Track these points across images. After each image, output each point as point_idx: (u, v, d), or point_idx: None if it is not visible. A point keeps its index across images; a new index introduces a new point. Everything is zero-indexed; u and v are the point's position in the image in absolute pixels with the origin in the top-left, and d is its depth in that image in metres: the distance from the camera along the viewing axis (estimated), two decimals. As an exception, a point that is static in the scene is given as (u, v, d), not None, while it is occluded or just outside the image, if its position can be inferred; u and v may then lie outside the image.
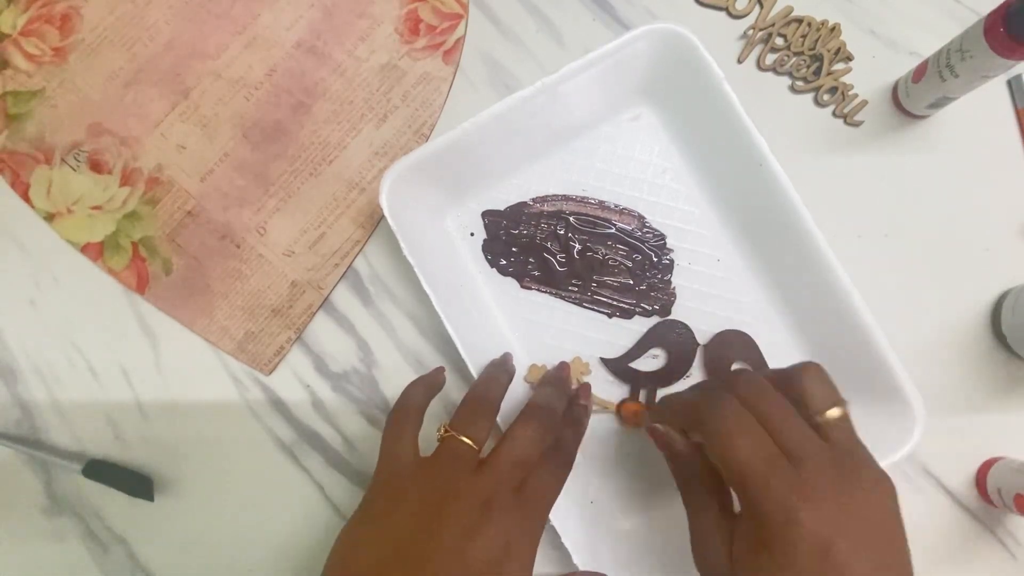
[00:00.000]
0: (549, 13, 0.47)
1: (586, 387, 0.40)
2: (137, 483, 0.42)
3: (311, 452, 0.43)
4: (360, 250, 0.44)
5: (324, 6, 0.46)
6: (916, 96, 0.43)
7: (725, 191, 0.43)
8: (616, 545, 0.40)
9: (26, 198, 0.45)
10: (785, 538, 0.27)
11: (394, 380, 0.44)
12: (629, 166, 0.44)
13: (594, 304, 0.43)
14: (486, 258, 0.43)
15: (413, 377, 0.37)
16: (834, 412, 0.29)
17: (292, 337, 0.43)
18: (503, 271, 0.43)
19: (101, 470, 0.42)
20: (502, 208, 0.44)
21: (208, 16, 0.46)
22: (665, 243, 0.43)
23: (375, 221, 0.44)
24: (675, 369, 0.42)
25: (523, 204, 0.44)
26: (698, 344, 0.42)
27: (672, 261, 0.43)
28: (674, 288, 0.43)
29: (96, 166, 0.45)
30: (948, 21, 0.46)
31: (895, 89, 0.45)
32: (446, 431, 0.33)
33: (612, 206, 0.43)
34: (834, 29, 0.45)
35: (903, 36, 0.46)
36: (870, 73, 0.45)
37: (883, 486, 0.28)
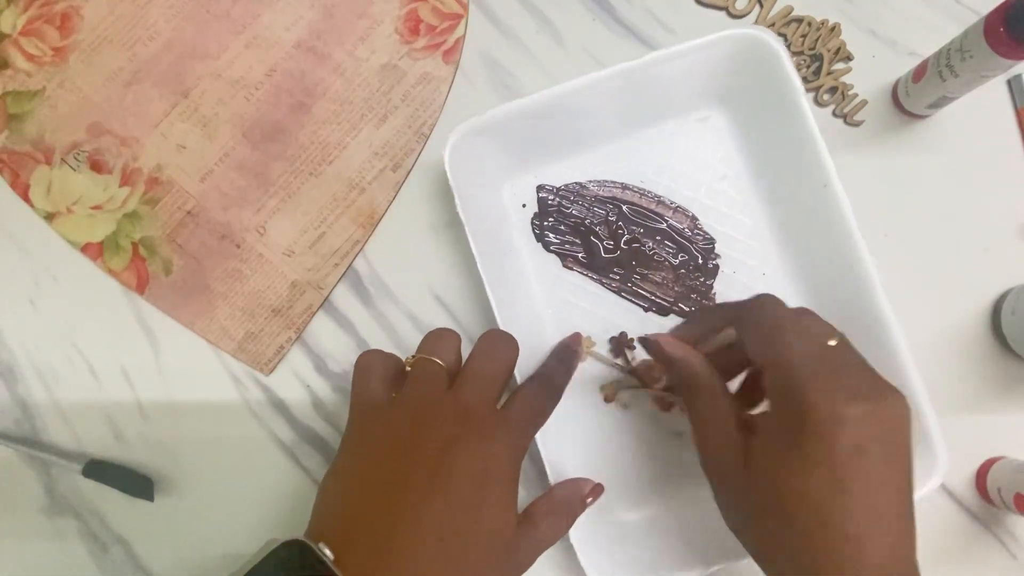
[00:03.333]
0: (549, 13, 0.47)
1: (576, 335, 0.40)
2: (137, 483, 0.41)
3: (311, 452, 0.43)
4: (360, 250, 0.44)
5: (324, 6, 0.46)
6: (916, 96, 0.43)
7: (783, 207, 0.42)
8: (620, 537, 0.40)
9: (26, 198, 0.45)
10: (825, 434, 0.27)
11: (394, 380, 0.44)
12: (690, 166, 0.43)
13: (632, 295, 0.43)
14: (534, 232, 0.43)
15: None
16: (833, 342, 0.30)
17: (292, 337, 0.43)
18: (548, 247, 0.43)
19: (101, 470, 0.42)
20: (559, 185, 0.43)
21: (208, 16, 0.46)
22: (714, 248, 0.43)
23: (375, 221, 0.44)
24: None
25: (579, 185, 0.43)
26: None
27: (717, 266, 0.43)
28: (715, 294, 0.42)
29: (96, 166, 0.45)
30: (948, 21, 0.46)
31: (895, 89, 0.45)
32: (414, 358, 0.33)
33: (668, 202, 0.43)
34: (834, 29, 0.45)
35: (903, 36, 0.46)
36: (870, 73, 0.45)
37: (904, 402, 0.29)
